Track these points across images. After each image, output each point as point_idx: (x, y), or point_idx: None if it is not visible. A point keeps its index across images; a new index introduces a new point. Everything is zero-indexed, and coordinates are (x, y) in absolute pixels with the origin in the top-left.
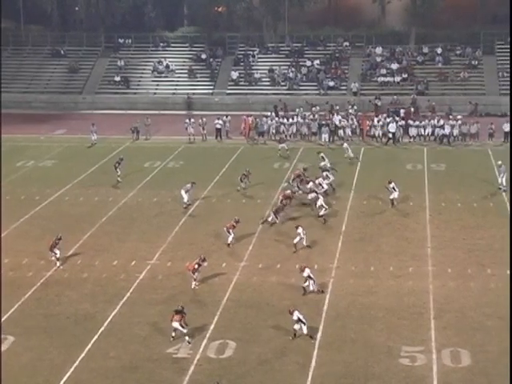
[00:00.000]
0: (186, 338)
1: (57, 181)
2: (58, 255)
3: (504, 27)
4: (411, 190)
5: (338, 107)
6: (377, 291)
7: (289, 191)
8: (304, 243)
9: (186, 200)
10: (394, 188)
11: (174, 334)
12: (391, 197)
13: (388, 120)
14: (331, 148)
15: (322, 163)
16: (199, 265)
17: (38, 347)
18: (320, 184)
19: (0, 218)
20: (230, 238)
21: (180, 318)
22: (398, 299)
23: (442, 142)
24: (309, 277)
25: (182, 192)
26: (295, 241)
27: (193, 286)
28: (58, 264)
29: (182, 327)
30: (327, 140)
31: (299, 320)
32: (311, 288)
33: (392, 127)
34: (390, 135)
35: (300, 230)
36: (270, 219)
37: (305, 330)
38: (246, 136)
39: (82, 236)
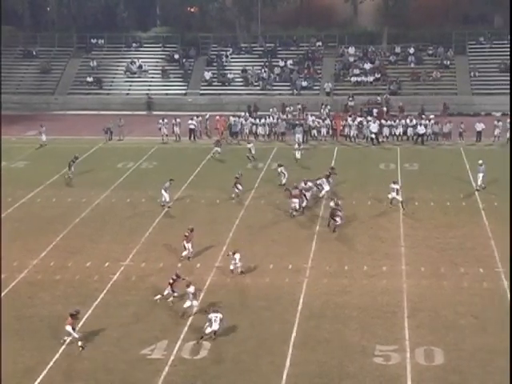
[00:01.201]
0: (79, 343)
1: (29, 182)
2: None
3: (475, 27)
4: (384, 189)
5: (305, 107)
6: (351, 290)
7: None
8: (238, 271)
9: (167, 199)
10: (397, 190)
11: (66, 338)
12: (390, 196)
13: (367, 120)
14: (305, 148)
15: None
16: (174, 280)
17: (11, 350)
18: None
19: (0, 218)
20: (186, 252)
21: (73, 321)
22: (372, 298)
23: (416, 142)
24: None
25: (163, 191)
26: (231, 267)
27: (170, 300)
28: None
29: (74, 330)
30: (301, 140)
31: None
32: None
33: (374, 127)
34: (373, 135)
35: (237, 256)
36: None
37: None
38: (219, 136)
39: (54, 238)
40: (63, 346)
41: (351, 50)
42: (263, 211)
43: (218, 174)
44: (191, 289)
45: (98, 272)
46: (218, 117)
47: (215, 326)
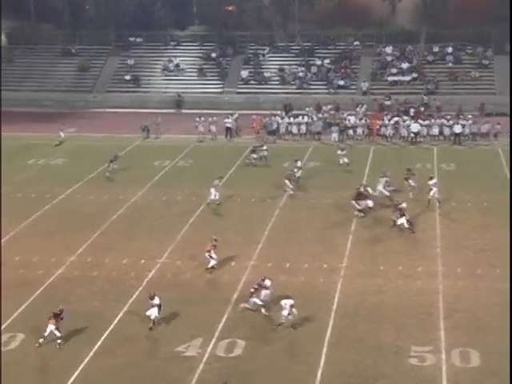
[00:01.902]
0: (58, 340)
1: (67, 179)
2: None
3: None
4: (421, 189)
5: (338, 106)
6: (386, 290)
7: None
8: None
9: (215, 197)
10: (434, 185)
11: (46, 334)
12: (430, 195)
13: (404, 120)
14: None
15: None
16: (256, 289)
17: (48, 345)
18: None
19: (0, 217)
20: (212, 263)
21: (56, 321)
22: (408, 299)
23: (454, 142)
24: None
25: (212, 190)
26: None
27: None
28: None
29: (58, 330)
30: (337, 139)
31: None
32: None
33: (415, 127)
34: (412, 135)
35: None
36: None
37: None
38: (255, 135)
39: (91, 234)
40: (98, 343)
41: (388, 49)
42: (298, 210)
43: (253, 173)
44: (156, 300)
45: (134, 269)
46: (254, 116)
47: (285, 312)
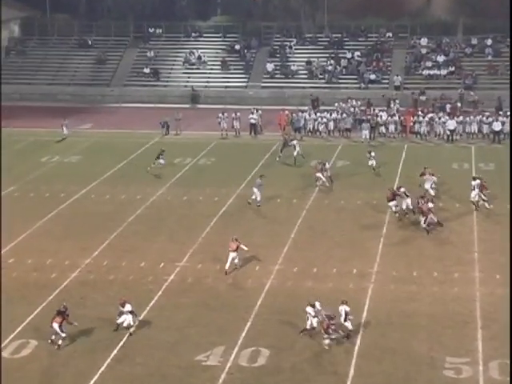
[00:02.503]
0: (60, 341)
1: (82, 177)
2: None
3: None
4: (457, 190)
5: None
6: (419, 298)
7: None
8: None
9: (258, 198)
10: (475, 187)
11: (53, 337)
12: (475, 198)
13: (439, 117)
14: (372, 145)
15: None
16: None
17: (62, 352)
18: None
19: (0, 213)
20: (232, 262)
21: (61, 319)
22: (443, 307)
23: (494, 140)
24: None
25: (254, 189)
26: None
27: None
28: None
29: (62, 331)
30: (368, 137)
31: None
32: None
33: (451, 124)
34: (448, 133)
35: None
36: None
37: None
38: (282, 131)
39: (108, 236)
40: (115, 350)
41: (423, 41)
42: (326, 212)
43: (279, 172)
44: (127, 307)
45: (152, 273)
46: (281, 111)
47: (341, 319)
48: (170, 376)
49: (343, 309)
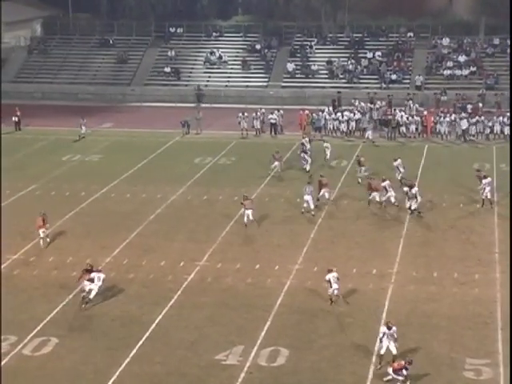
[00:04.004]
0: (90, 296)
1: (103, 176)
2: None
3: None
4: (478, 191)
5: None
6: (439, 299)
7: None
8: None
9: (311, 206)
10: (487, 184)
11: (84, 294)
12: (484, 194)
13: (460, 117)
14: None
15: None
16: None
17: (82, 350)
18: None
19: (0, 213)
20: (248, 218)
21: (88, 276)
22: (463, 308)
23: None
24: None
25: (306, 197)
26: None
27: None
28: None
29: (91, 282)
30: (370, 137)
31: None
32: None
33: (464, 124)
34: (460, 132)
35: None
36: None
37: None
38: (302, 131)
39: (128, 235)
40: (134, 349)
41: (445, 41)
42: (346, 212)
43: (298, 172)
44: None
45: (172, 272)
46: (301, 111)
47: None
48: (189, 375)
49: (331, 276)
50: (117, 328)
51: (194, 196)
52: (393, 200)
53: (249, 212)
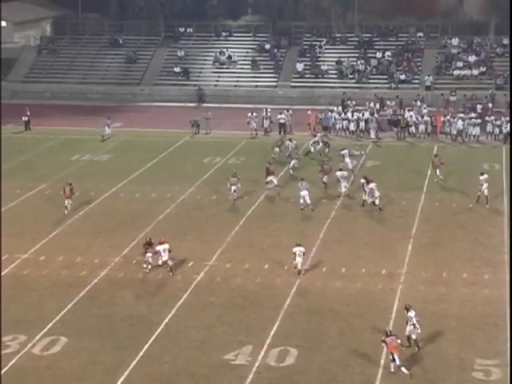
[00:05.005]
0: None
1: (112, 176)
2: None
3: None
4: (488, 191)
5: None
6: (449, 299)
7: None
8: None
9: (308, 201)
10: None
11: (145, 266)
12: (480, 191)
13: (470, 117)
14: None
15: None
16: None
17: (91, 349)
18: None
19: (0, 213)
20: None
21: (150, 248)
22: (472, 308)
23: None
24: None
25: (303, 192)
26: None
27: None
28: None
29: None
30: (373, 136)
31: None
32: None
33: (460, 124)
34: (455, 132)
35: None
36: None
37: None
38: (311, 131)
39: (137, 234)
40: (143, 349)
41: (455, 41)
42: (355, 212)
43: (307, 172)
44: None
45: (181, 271)
46: (309, 111)
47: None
48: (197, 375)
49: (297, 250)
50: (126, 328)
51: (203, 196)
52: (377, 202)
53: (234, 187)
